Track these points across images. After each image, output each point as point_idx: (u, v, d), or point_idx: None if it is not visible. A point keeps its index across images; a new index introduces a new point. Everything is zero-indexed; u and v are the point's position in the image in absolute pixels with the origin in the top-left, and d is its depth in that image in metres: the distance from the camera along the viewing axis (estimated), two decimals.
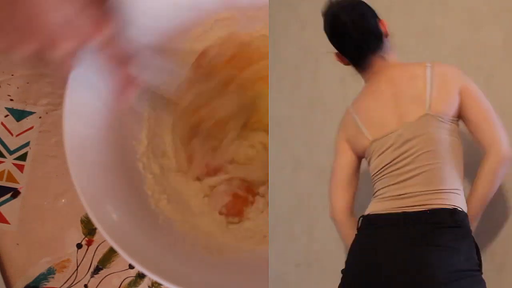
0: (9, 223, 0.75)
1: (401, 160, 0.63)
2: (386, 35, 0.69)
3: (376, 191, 0.65)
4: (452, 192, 0.62)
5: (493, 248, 0.75)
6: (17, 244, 0.74)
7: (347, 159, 0.69)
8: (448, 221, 0.60)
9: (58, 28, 0.54)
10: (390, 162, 0.64)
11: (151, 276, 0.61)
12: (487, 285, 0.67)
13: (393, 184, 0.63)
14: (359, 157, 0.69)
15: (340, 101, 0.91)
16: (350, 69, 0.88)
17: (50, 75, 0.78)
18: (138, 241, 0.65)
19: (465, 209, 0.62)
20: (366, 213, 0.64)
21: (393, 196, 0.63)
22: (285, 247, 0.93)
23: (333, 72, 0.94)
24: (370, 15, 0.68)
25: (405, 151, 0.63)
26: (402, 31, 0.85)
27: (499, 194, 0.76)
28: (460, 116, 0.65)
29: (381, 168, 0.64)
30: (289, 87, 0.98)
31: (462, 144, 0.65)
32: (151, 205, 0.71)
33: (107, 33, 0.57)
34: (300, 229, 0.92)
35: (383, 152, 0.65)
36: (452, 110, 0.64)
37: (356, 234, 0.65)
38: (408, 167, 0.63)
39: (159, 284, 0.74)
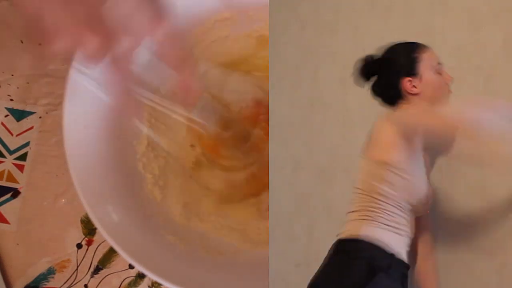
0: (9, 223, 0.75)
1: None
2: None
3: None
4: None
5: (493, 248, 0.75)
6: (17, 244, 0.74)
7: None
8: None
9: (119, 25, 0.53)
10: None
11: (151, 276, 0.61)
12: (487, 285, 0.67)
13: None
14: None
15: (340, 101, 0.91)
16: (350, 69, 0.88)
17: (50, 75, 0.78)
18: (138, 241, 0.65)
19: None
20: None
21: None
22: (285, 247, 0.93)
23: (333, 72, 0.94)
24: None
25: None
26: (402, 31, 0.85)
27: (500, 194, 0.76)
28: None
29: None
30: (289, 87, 0.98)
31: None
32: (151, 205, 0.71)
33: (163, 31, 0.56)
34: (300, 229, 0.92)
35: None
36: None
37: None
38: None
39: (159, 284, 0.74)
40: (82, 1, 0.52)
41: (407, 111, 0.69)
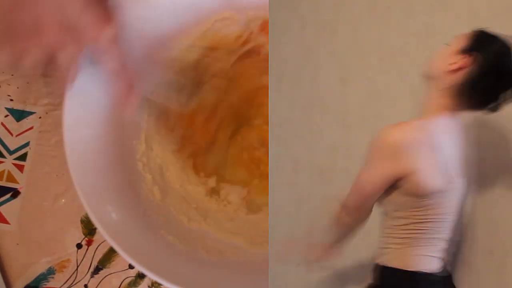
0: (9, 223, 0.75)
1: None
2: None
3: None
4: None
5: (493, 248, 0.75)
6: (17, 244, 0.74)
7: None
8: None
9: (62, 30, 0.52)
10: None
11: (151, 276, 0.61)
12: (487, 285, 0.67)
13: None
14: None
15: (340, 101, 0.91)
16: (350, 69, 0.88)
17: (50, 75, 0.78)
18: (138, 241, 0.65)
19: None
20: None
21: None
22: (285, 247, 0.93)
23: (333, 72, 0.94)
24: None
25: None
26: (402, 31, 0.85)
27: (500, 194, 0.76)
28: None
29: None
30: (289, 87, 0.98)
31: None
32: (151, 205, 0.71)
33: (110, 33, 0.55)
34: (300, 229, 0.92)
35: None
36: None
37: None
38: None
39: (159, 284, 0.74)
40: (23, 10, 0.52)
41: None
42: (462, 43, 0.66)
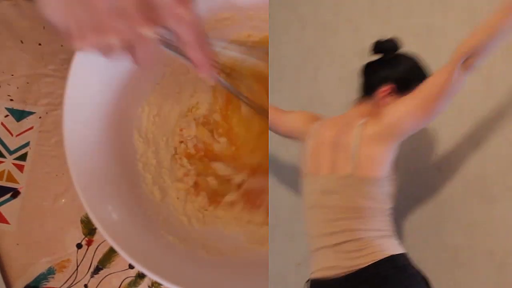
0: (9, 223, 0.75)
1: None
2: None
3: None
4: None
5: (493, 248, 0.75)
6: (17, 244, 0.74)
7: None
8: None
9: (144, 11, 0.53)
10: None
11: (151, 276, 0.61)
12: (487, 285, 0.67)
13: None
14: None
15: (340, 101, 0.91)
16: (350, 69, 0.88)
17: (50, 75, 0.78)
18: (138, 241, 0.65)
19: None
20: None
21: None
22: (285, 247, 0.93)
23: (332, 72, 0.94)
24: None
25: None
26: (402, 31, 0.85)
27: (500, 194, 0.76)
28: None
29: None
30: (289, 87, 0.98)
31: None
32: (151, 205, 0.71)
33: (189, 9, 0.56)
34: (300, 229, 0.92)
35: None
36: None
37: None
38: None
39: (159, 284, 0.74)
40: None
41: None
42: None
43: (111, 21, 0.53)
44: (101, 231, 0.62)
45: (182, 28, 0.57)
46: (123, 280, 0.74)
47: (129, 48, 0.56)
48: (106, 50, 0.56)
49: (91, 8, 0.53)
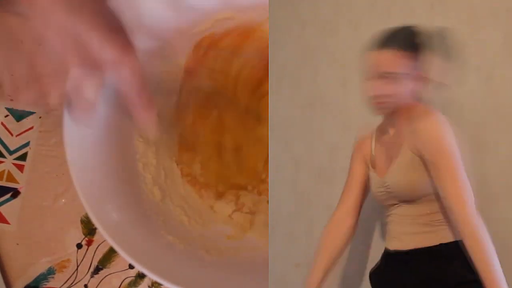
0: (9, 223, 0.75)
1: None
2: None
3: None
4: None
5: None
6: (17, 244, 0.74)
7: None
8: None
9: (84, 65, 0.55)
10: None
11: (151, 276, 0.61)
12: None
13: None
14: None
15: (340, 101, 0.91)
16: (350, 69, 0.88)
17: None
18: (138, 241, 0.65)
19: None
20: None
21: None
22: (285, 247, 0.93)
23: (333, 72, 0.94)
24: None
25: None
26: None
27: (500, 194, 0.76)
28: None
29: None
30: (289, 87, 0.98)
31: None
32: (151, 205, 0.71)
33: (129, 63, 0.58)
34: (300, 229, 0.92)
35: None
36: None
37: None
38: None
39: (159, 284, 0.74)
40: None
41: None
42: None
43: (48, 76, 0.55)
44: (101, 231, 0.62)
45: (124, 81, 0.58)
46: (123, 280, 0.74)
47: (66, 103, 0.58)
48: (41, 105, 0.57)
49: (29, 64, 0.54)
